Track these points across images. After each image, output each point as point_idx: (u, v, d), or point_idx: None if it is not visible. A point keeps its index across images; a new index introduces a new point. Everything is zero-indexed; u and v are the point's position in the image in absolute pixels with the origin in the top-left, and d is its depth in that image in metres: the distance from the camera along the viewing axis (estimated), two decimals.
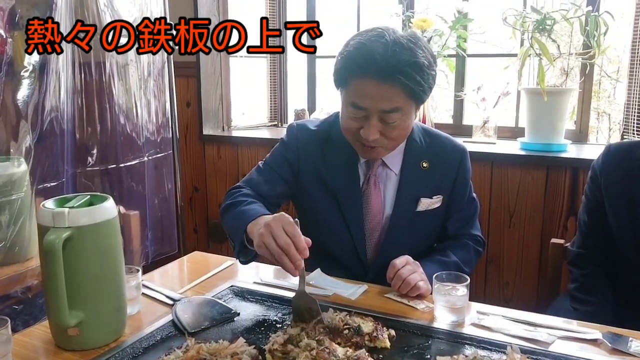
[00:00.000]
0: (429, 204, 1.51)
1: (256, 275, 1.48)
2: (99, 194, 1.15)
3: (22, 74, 1.60)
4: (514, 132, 2.68)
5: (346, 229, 1.50)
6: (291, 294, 1.35)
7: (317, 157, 1.51)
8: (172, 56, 2.44)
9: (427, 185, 1.51)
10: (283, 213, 1.19)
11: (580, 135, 2.58)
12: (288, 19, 3.23)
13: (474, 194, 1.62)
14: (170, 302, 1.30)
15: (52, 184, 1.72)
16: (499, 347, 1.10)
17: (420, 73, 1.30)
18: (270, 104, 3.35)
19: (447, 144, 1.56)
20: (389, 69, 1.27)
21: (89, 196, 1.13)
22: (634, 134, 2.34)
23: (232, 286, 1.40)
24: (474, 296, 1.29)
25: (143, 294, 1.33)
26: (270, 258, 1.16)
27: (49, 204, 1.09)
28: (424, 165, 1.50)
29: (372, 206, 1.50)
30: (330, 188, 1.50)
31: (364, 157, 1.47)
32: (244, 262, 1.40)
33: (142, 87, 2.21)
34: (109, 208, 1.10)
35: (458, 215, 1.57)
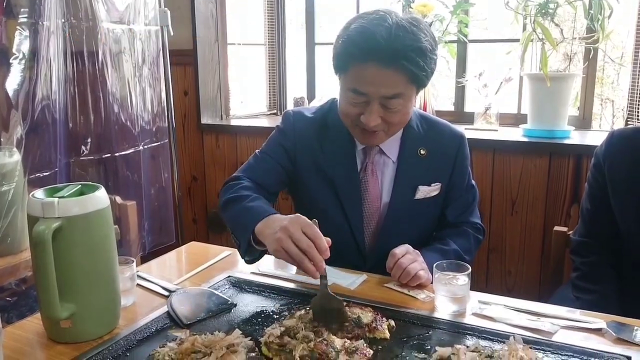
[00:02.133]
0: (427, 191, 1.49)
1: (254, 265, 1.46)
2: (90, 183, 1.13)
3: (11, 61, 1.57)
4: (517, 119, 2.65)
5: (344, 218, 1.47)
6: (289, 285, 1.34)
7: (314, 144, 1.48)
8: (167, 44, 2.40)
9: (425, 172, 1.49)
10: (298, 215, 1.15)
11: (583, 122, 2.55)
12: (287, 4, 3.19)
13: (473, 181, 1.60)
14: (166, 293, 1.28)
15: (44, 173, 1.69)
16: (501, 337, 1.08)
17: (424, 58, 1.27)
18: (269, 92, 3.32)
19: (445, 130, 1.53)
20: (392, 53, 1.24)
21: (79, 186, 1.11)
22: (638, 119, 2.31)
23: (229, 276, 1.39)
24: (475, 285, 1.27)
25: (138, 285, 1.32)
26: (291, 262, 1.12)
27: (39, 193, 1.07)
28: (422, 152, 1.48)
29: (370, 194, 1.48)
30: (328, 176, 1.48)
31: (364, 143, 1.44)
32: (250, 262, 1.37)
33: (136, 76, 2.18)
34: (101, 198, 1.08)
35: (457, 202, 1.55)
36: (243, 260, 1.35)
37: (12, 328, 1.15)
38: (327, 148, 1.47)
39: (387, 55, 1.25)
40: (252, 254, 1.32)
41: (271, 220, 1.21)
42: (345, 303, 1.15)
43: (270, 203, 1.39)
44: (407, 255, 1.32)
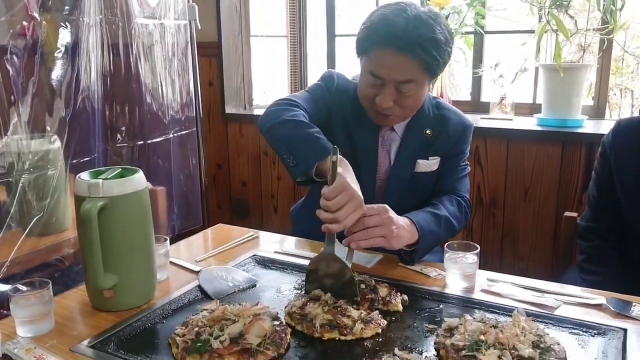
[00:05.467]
0: (427, 165, 1.56)
1: (278, 245, 1.55)
2: (129, 167, 1.22)
3: (55, 54, 1.68)
4: (532, 109, 2.68)
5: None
6: None
7: (347, 109, 1.54)
8: (195, 37, 2.50)
9: (426, 149, 1.56)
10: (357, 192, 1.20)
11: (597, 111, 2.57)
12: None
13: (468, 166, 1.64)
14: (197, 268, 1.38)
15: (84, 159, 1.80)
16: (507, 311, 1.16)
17: (437, 48, 1.35)
18: (291, 82, 3.40)
19: (454, 117, 1.60)
20: (408, 41, 1.33)
21: (120, 169, 1.20)
22: None
23: (254, 255, 1.47)
24: (488, 269, 1.34)
25: (171, 262, 1.41)
26: (323, 207, 1.18)
27: (85, 176, 1.16)
28: (427, 132, 1.55)
29: (380, 168, 1.57)
30: (352, 142, 1.54)
31: (378, 123, 1.53)
32: (300, 184, 1.38)
33: (166, 67, 2.28)
34: (139, 180, 1.18)
35: (449, 173, 1.59)
36: (294, 180, 1.36)
37: (60, 298, 1.25)
38: (356, 115, 1.54)
39: (404, 43, 1.34)
40: (302, 177, 1.34)
41: (344, 163, 1.26)
42: (363, 279, 1.23)
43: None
44: (375, 217, 1.27)
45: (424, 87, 1.44)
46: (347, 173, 1.24)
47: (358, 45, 1.44)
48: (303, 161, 1.30)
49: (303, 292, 1.26)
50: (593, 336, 1.08)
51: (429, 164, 1.56)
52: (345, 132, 1.55)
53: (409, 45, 1.33)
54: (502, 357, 0.96)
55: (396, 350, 0.98)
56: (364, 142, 1.55)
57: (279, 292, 1.30)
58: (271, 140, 1.41)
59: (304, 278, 1.34)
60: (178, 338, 1.03)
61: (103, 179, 1.14)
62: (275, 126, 1.40)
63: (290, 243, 1.59)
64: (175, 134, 2.35)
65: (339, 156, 1.22)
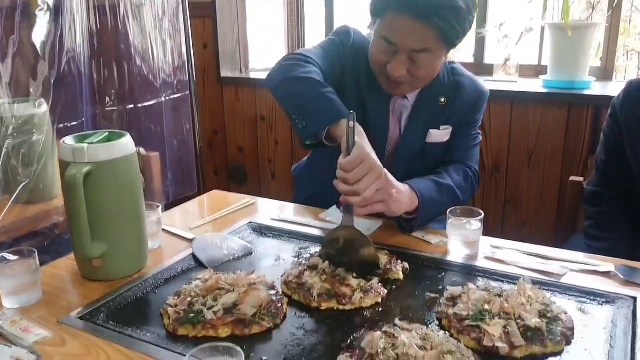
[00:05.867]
0: (439, 136, 1.49)
1: (276, 212, 1.51)
2: (117, 131, 1.17)
3: (36, 13, 1.60)
4: (537, 70, 2.61)
5: None
6: (309, 231, 1.38)
7: (361, 70, 1.45)
8: None
9: (437, 118, 1.49)
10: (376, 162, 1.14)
11: (605, 73, 2.50)
12: None
13: (480, 135, 1.58)
14: (190, 236, 1.34)
15: (72, 123, 1.74)
16: (511, 279, 1.12)
17: (457, 17, 1.26)
18: (288, 45, 3.31)
19: (469, 84, 1.52)
20: (425, 8, 1.24)
21: (107, 133, 1.15)
22: None
23: (250, 222, 1.44)
24: (490, 236, 1.30)
25: (164, 230, 1.37)
26: (341, 177, 1.12)
27: (69, 140, 1.11)
28: (442, 100, 1.48)
29: (390, 135, 1.50)
30: (364, 108, 1.45)
31: (388, 91, 1.44)
32: (308, 147, 1.32)
33: (157, 28, 2.19)
34: (127, 144, 1.13)
35: (459, 142, 1.52)
36: (302, 142, 1.30)
37: (49, 267, 1.21)
38: (370, 78, 1.45)
39: (421, 8, 1.24)
40: (311, 140, 1.28)
41: (359, 130, 1.18)
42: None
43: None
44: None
45: (440, 58, 1.36)
46: (363, 141, 1.17)
47: (373, 7, 1.35)
48: (314, 124, 1.23)
49: (302, 260, 1.22)
50: (601, 305, 1.05)
51: (441, 135, 1.49)
52: (357, 95, 1.46)
53: (427, 12, 1.24)
54: (508, 327, 0.93)
55: (397, 321, 0.95)
56: (375, 108, 1.46)
57: (276, 260, 1.26)
58: (280, 98, 1.34)
59: (302, 246, 1.32)
60: (170, 309, 1.00)
61: (88, 143, 1.09)
62: (285, 83, 1.32)
63: (289, 210, 1.55)
64: (167, 97, 2.28)
65: (355, 123, 1.14)
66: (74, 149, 1.07)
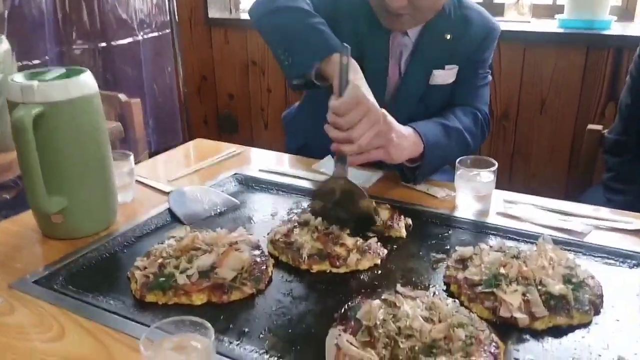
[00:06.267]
0: (443, 77, 1.34)
1: (263, 163, 1.39)
2: (76, 67, 1.02)
3: None
4: (552, 10, 2.45)
5: None
6: (300, 183, 1.27)
7: (360, 9, 1.30)
8: None
9: (442, 56, 1.34)
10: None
11: (626, 12, 2.35)
12: None
13: (489, 75, 1.44)
14: (168, 189, 1.21)
15: (34, 61, 1.56)
16: (529, 238, 1.02)
17: None
18: None
19: (478, 18, 1.36)
20: None
21: (64, 70, 1.00)
22: None
23: (235, 174, 1.32)
24: (496, 189, 1.17)
25: (138, 182, 1.24)
26: (333, 123, 1.00)
27: (18, 77, 0.97)
28: (447, 37, 1.32)
29: (390, 78, 1.35)
30: (360, 46, 1.29)
31: (387, 26, 1.29)
32: (296, 87, 1.18)
33: None
34: (86, 82, 0.98)
35: (467, 82, 1.38)
36: (290, 82, 1.18)
37: (8, 223, 1.10)
38: (369, 12, 1.30)
39: None
40: (301, 79, 1.15)
41: (354, 67, 1.06)
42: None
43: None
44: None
45: None
46: (359, 80, 1.04)
47: None
48: (301, 60, 1.11)
49: (292, 216, 1.09)
50: (631, 268, 0.94)
51: (445, 75, 1.34)
52: (353, 31, 1.30)
53: None
54: (528, 295, 0.80)
55: (398, 287, 0.83)
56: (373, 46, 1.31)
57: (262, 216, 1.14)
58: (263, 32, 1.21)
59: (293, 200, 1.22)
60: (137, 272, 0.88)
61: (40, 80, 0.93)
62: (268, 14, 1.20)
63: (279, 160, 1.42)
64: (145, 36, 2.09)
65: (350, 58, 0.99)
66: (22, 87, 0.93)
